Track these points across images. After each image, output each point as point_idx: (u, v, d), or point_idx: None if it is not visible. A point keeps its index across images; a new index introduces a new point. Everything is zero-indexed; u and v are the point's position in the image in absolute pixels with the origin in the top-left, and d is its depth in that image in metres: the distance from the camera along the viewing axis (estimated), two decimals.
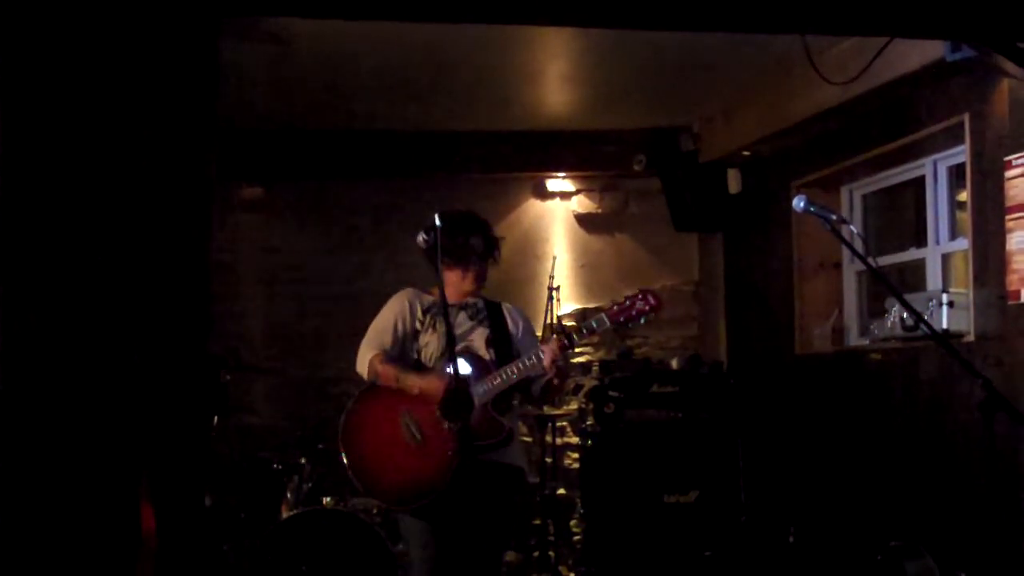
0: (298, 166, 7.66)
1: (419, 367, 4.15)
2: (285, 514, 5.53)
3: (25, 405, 3.25)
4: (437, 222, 3.96)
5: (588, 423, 6.80)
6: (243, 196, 7.73)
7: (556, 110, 7.29)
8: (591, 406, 6.79)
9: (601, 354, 7.70)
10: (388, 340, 4.18)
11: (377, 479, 4.09)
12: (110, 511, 3.32)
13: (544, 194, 8.05)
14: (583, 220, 8.09)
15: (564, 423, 7.59)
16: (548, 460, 6.87)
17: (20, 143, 3.31)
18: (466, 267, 4.21)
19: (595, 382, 7.02)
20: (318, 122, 7.37)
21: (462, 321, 4.19)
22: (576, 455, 7.52)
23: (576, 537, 7.19)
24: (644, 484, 6.51)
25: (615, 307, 3.98)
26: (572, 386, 7.58)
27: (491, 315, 4.24)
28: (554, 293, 6.87)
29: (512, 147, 7.70)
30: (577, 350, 7.75)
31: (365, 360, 4.17)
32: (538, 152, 7.77)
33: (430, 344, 4.16)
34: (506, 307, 4.34)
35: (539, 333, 6.54)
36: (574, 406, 7.45)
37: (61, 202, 3.35)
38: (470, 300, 4.26)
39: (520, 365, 4.00)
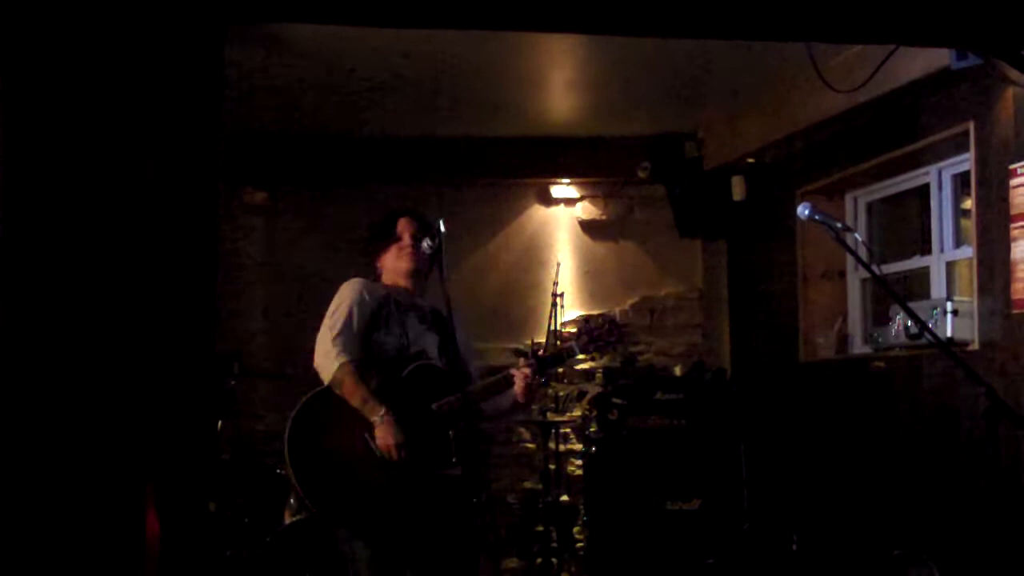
0: (302, 171, 7.67)
1: (377, 365, 3.99)
2: (288, 520, 5.53)
3: (29, 409, 3.25)
4: (441, 228, 3.95)
5: (591, 430, 6.79)
6: (247, 200, 7.73)
7: (561, 116, 7.29)
8: (595, 413, 6.78)
9: (605, 361, 7.67)
10: (354, 333, 3.98)
11: (328, 491, 3.87)
12: (114, 516, 3.32)
13: (548, 200, 8.05)
14: (587, 226, 8.09)
15: (567, 430, 7.59)
16: (551, 467, 6.86)
17: (25, 148, 3.32)
18: (388, 250, 4.15)
19: (599, 389, 7.01)
20: (322, 127, 7.37)
21: (413, 324, 4.08)
22: (579, 462, 7.50)
23: (579, 544, 7.18)
24: (647, 491, 6.50)
25: (585, 337, 4.17)
26: (576, 392, 7.58)
27: (438, 320, 4.10)
28: (558, 299, 6.87)
29: (516, 153, 7.69)
30: (580, 356, 7.76)
31: (333, 363, 3.91)
32: (542, 158, 7.76)
33: (386, 344, 4.04)
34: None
35: (543, 339, 6.56)
36: (578, 413, 7.44)
37: (66, 206, 3.35)
38: (418, 302, 4.15)
39: (487, 386, 3.99)
